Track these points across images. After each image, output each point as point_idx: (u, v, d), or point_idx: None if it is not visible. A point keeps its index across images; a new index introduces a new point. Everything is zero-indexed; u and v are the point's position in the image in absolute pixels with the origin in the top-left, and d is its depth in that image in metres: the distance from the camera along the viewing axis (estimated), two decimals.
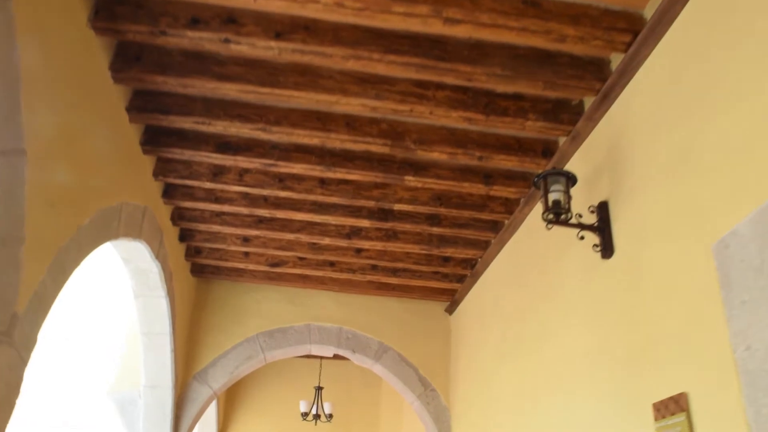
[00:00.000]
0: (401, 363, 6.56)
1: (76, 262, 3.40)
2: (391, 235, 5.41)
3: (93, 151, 3.48)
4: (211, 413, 8.52)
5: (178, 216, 5.31)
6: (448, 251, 5.54)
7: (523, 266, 4.77)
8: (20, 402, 2.76)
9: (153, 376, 5.83)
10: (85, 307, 9.80)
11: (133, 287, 5.31)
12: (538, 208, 4.43)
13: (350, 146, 4.20)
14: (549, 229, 3.44)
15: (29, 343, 2.88)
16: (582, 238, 3.46)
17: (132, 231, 4.29)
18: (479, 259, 5.71)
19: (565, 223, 3.39)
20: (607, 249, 3.38)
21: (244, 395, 9.29)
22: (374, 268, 6.10)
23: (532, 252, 4.58)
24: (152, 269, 5.08)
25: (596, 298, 3.47)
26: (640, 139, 3.13)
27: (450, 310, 6.79)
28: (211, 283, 6.63)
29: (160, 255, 5.02)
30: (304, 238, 5.42)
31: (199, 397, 6.18)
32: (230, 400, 9.23)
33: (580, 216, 3.47)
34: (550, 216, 3.37)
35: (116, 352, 6.55)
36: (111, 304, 9.58)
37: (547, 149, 4.16)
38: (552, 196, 3.38)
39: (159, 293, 5.34)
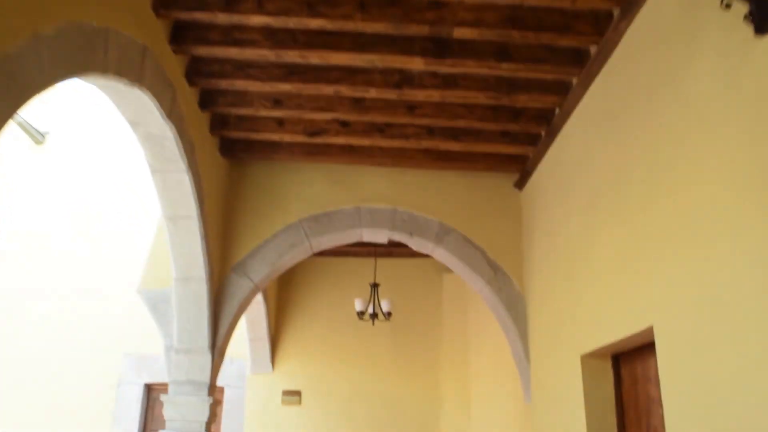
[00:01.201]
0: (466, 245, 5.70)
1: (37, 84, 2.56)
2: (450, 82, 4.43)
3: None
4: (260, 318, 7.91)
5: (193, 71, 4.44)
6: (520, 99, 4.55)
7: (619, 106, 3.75)
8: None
9: (184, 267, 5.12)
10: (108, 194, 9.22)
11: (149, 160, 4.52)
12: (641, 20, 3.39)
13: None
14: None
15: None
16: (728, 6, 2.42)
17: (128, 71, 3.43)
18: (557, 110, 4.71)
19: None
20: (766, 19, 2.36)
21: (296, 298, 8.65)
22: (431, 132, 5.15)
23: (634, 81, 3.55)
24: (166, 135, 4.26)
25: (750, 97, 2.46)
26: None
27: (520, 184, 5.84)
28: (244, 165, 5.82)
29: (173, 115, 4.19)
30: (345, 91, 4.50)
31: (239, 292, 5.47)
32: (281, 304, 8.61)
33: None
34: None
35: (144, 245, 5.87)
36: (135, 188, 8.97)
37: None
38: None
39: (179, 167, 4.54)
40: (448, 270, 8.60)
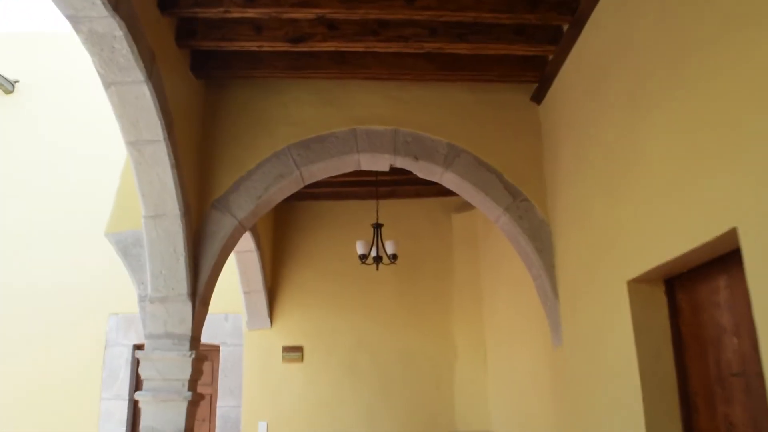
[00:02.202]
0: (480, 168, 4.95)
1: None
2: None
3: None
4: (255, 269, 7.22)
5: None
6: None
7: None
8: None
9: (154, 202, 4.39)
10: (82, 142, 8.47)
11: (99, 70, 3.76)
12: None
13: None
14: None
15: None
16: None
17: None
18: None
19: None
20: None
21: (292, 247, 7.95)
22: (433, 32, 4.36)
23: None
24: (115, 34, 3.49)
25: None
26: None
27: (538, 97, 5.06)
28: (222, 86, 5.05)
29: (121, 8, 3.41)
30: None
31: (221, 230, 4.75)
32: (277, 254, 7.91)
33: None
34: None
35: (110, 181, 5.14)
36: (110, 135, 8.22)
37: None
38: None
39: (136, 77, 3.78)
40: (458, 209, 7.89)
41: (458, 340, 7.57)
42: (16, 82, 8.99)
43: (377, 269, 6.70)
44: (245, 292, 7.44)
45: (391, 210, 7.60)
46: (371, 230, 6.74)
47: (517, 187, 4.93)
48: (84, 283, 8.00)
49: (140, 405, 4.42)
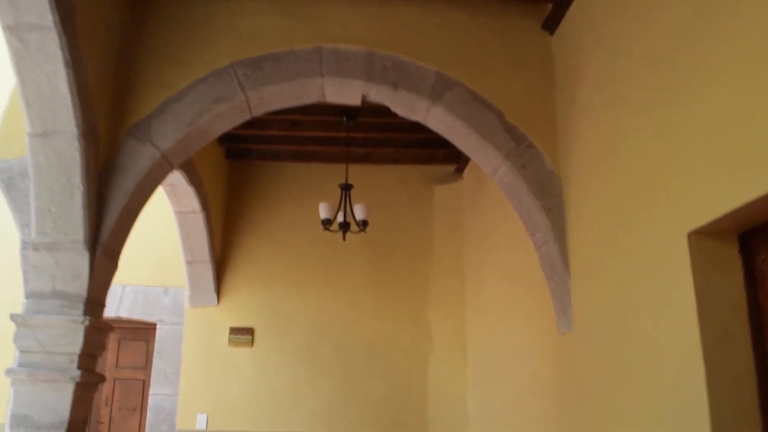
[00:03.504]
0: (475, 105, 3.90)
1: None
2: None
3: None
4: (200, 234, 6.11)
5: None
6: None
7: None
8: None
9: (40, 113, 3.28)
10: None
11: None
12: None
13: None
14: None
15: None
16: None
17: None
18: None
19: None
20: None
21: (246, 213, 6.85)
22: None
23: None
24: None
25: None
26: None
27: (551, 24, 4.03)
28: None
29: None
30: None
31: (137, 164, 3.65)
32: (229, 220, 6.82)
33: None
34: None
35: None
36: None
37: None
38: None
39: None
40: (441, 180, 6.87)
41: (435, 329, 6.55)
42: None
43: (344, 239, 5.62)
44: (188, 262, 6.33)
45: (363, 176, 6.54)
46: (338, 193, 5.67)
47: (522, 131, 3.89)
48: None
49: (12, 386, 3.31)
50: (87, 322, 3.32)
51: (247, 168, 6.98)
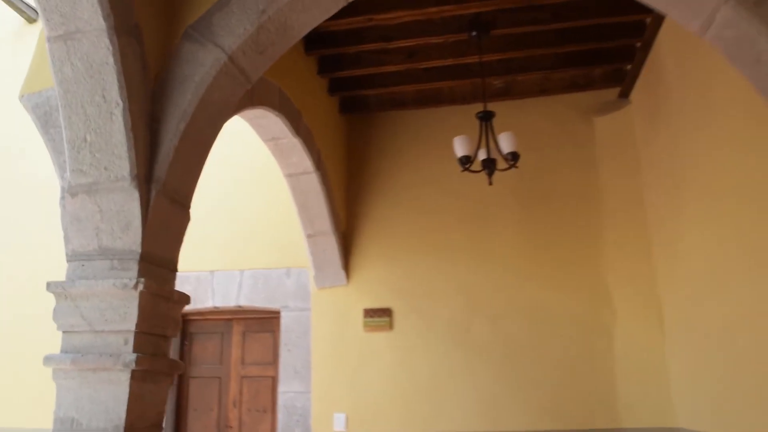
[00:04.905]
0: None
1: None
2: None
3: None
4: (318, 202, 5.16)
5: None
6: None
7: None
8: None
9: (58, 8, 2.38)
10: None
11: None
12: None
13: None
14: None
15: None
16: None
17: None
18: None
19: None
20: None
21: (369, 175, 5.82)
22: None
23: None
24: None
25: None
26: None
27: None
28: None
29: None
30: None
31: (195, 72, 2.67)
32: (351, 185, 5.82)
33: None
34: None
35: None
36: None
37: None
38: None
39: None
40: (601, 111, 5.48)
41: (616, 294, 5.16)
42: None
43: (490, 182, 4.40)
44: (309, 236, 5.40)
45: (504, 115, 5.31)
46: (477, 125, 4.47)
47: None
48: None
49: (54, 379, 2.43)
50: (142, 287, 2.37)
51: (366, 122, 5.97)
